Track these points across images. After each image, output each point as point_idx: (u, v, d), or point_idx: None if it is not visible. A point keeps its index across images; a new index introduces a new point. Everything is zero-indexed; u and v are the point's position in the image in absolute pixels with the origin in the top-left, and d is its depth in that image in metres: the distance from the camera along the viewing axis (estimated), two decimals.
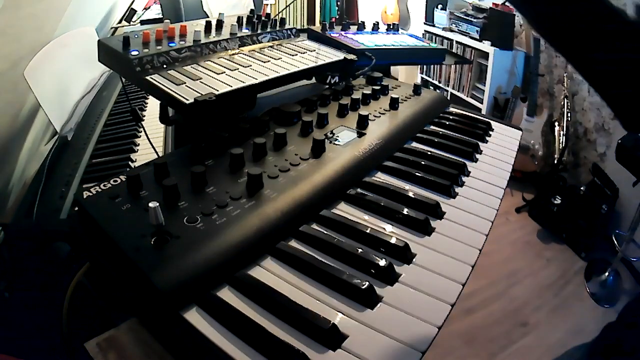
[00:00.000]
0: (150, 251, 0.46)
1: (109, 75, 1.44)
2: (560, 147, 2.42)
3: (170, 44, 0.80)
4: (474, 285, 1.96)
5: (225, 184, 0.57)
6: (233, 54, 0.86)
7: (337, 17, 4.40)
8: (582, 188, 2.25)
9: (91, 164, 1.03)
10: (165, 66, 0.76)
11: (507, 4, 2.86)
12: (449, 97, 3.40)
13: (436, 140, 0.83)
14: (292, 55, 0.90)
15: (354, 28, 1.25)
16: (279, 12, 3.88)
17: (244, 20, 0.97)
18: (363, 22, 1.27)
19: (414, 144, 0.82)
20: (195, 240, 0.48)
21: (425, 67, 3.72)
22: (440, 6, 3.32)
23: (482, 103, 3.08)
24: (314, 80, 1.04)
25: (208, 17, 1.48)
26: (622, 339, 1.30)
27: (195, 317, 0.43)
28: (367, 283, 0.47)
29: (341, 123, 0.78)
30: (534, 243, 2.29)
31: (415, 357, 0.42)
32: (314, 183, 0.61)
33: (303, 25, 4.45)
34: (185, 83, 0.71)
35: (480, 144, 0.87)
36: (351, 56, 0.95)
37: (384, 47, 1.12)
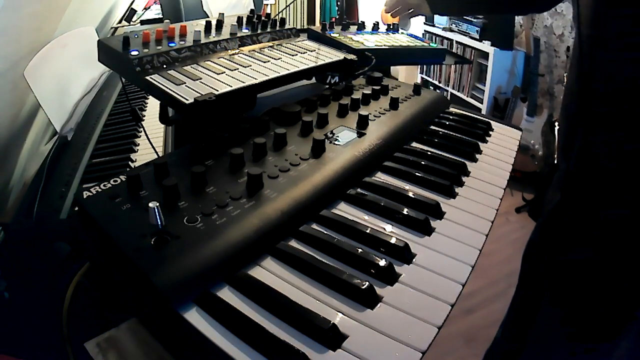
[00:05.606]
0: (150, 251, 0.46)
1: (109, 75, 1.44)
2: None
3: (170, 44, 0.80)
4: (474, 285, 1.96)
5: (225, 184, 0.57)
6: (233, 54, 0.86)
7: (337, 17, 4.40)
8: None
9: (91, 164, 1.03)
10: (165, 66, 0.76)
11: None
12: (449, 97, 3.40)
13: (436, 140, 0.83)
14: (292, 55, 0.90)
15: (353, 28, 1.24)
16: (279, 12, 3.88)
17: (244, 20, 0.97)
18: (363, 22, 1.27)
19: (414, 144, 0.82)
20: (195, 240, 0.48)
21: (425, 67, 3.73)
22: None
23: (482, 103, 3.08)
24: (314, 80, 1.04)
25: (208, 17, 1.48)
26: None
27: (195, 317, 0.43)
28: (367, 283, 0.47)
29: (341, 123, 0.78)
30: None
31: (415, 357, 0.41)
32: (314, 183, 0.61)
33: (303, 25, 4.45)
34: (185, 83, 0.71)
35: (480, 144, 0.87)
36: (351, 56, 0.95)
37: (384, 47, 1.12)
